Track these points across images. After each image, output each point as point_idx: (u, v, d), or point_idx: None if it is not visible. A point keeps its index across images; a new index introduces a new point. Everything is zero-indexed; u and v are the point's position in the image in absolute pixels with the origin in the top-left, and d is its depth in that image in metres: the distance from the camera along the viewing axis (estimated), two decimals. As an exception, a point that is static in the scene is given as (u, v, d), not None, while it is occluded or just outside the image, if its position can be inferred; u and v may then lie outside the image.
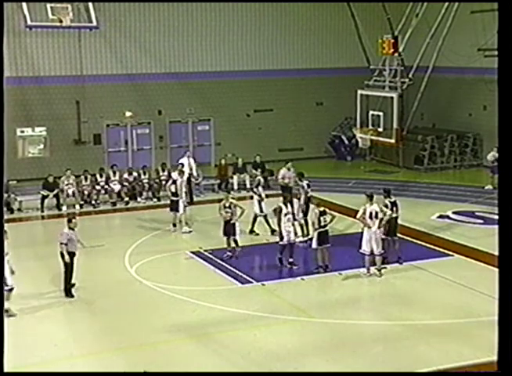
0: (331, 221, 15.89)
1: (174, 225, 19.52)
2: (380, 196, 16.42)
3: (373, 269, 15.51)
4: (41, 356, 11.68)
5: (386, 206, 15.97)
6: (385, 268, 15.71)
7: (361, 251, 15.49)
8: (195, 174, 23.66)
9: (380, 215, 15.41)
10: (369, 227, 15.35)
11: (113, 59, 27.69)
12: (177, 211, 19.52)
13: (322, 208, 15.81)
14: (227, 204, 16.52)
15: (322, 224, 15.59)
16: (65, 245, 14.32)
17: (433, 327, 12.77)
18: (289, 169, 21.11)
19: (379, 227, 15.38)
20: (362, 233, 16.05)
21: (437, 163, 28.35)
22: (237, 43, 29.33)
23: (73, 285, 14.65)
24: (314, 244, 15.68)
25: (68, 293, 14.46)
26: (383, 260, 15.61)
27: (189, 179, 22.52)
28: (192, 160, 23.70)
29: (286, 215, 15.79)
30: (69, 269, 14.47)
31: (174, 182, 19.81)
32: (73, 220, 14.74)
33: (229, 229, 16.51)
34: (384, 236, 15.74)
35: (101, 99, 27.56)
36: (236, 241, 16.67)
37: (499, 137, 5.24)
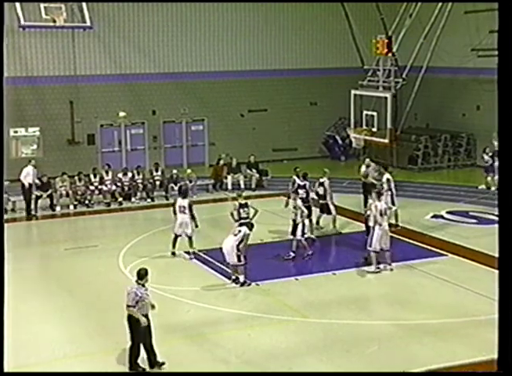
0: (254, 215, 16.75)
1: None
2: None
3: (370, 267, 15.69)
4: (35, 357, 11.65)
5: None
6: (379, 268, 15.77)
7: (371, 248, 15.65)
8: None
9: (388, 212, 15.90)
10: (380, 224, 15.59)
11: (106, 59, 27.65)
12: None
13: (243, 201, 16.85)
14: (293, 204, 16.82)
15: (243, 216, 16.56)
16: (133, 307, 10.99)
17: (427, 326, 12.79)
18: (368, 166, 21.00)
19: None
20: (366, 231, 16.38)
21: (430, 163, 28.40)
22: (231, 43, 29.31)
23: (161, 363, 11.26)
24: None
25: (133, 365, 11.21)
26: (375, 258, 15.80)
27: (30, 189, 21.92)
28: (34, 170, 22.47)
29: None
30: (139, 336, 11.13)
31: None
32: (147, 277, 11.22)
33: (294, 230, 16.70)
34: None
35: (95, 99, 27.52)
36: (298, 242, 16.68)
37: (499, 137, 5.24)
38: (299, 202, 16.91)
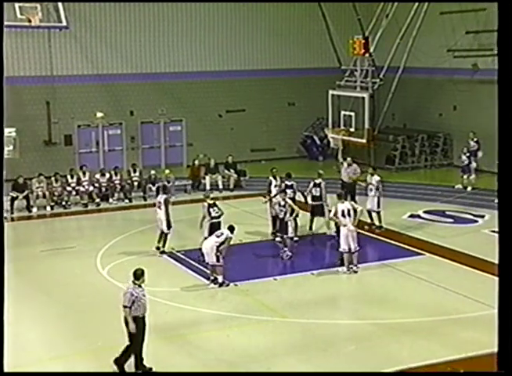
0: (220, 215, 16.83)
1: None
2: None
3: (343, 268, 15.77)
4: (9, 361, 11.51)
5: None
6: (351, 268, 15.83)
7: (340, 249, 15.73)
8: None
9: (352, 212, 15.77)
10: (344, 225, 15.61)
11: (83, 59, 27.46)
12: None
13: (211, 201, 16.82)
14: (282, 203, 16.85)
15: (214, 215, 16.49)
16: (128, 309, 10.75)
17: (404, 325, 12.85)
18: (349, 165, 20.88)
19: (353, 224, 15.71)
20: (337, 232, 16.34)
21: (408, 163, 28.57)
22: (209, 43, 29.25)
23: (148, 368, 11.06)
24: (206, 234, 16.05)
25: (120, 367, 11.01)
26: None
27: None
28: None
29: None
30: (134, 340, 10.87)
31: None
32: (143, 277, 11.01)
33: (282, 227, 16.76)
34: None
35: (72, 99, 27.32)
36: (289, 239, 16.76)
37: (499, 137, 5.22)
38: (289, 201, 16.94)
